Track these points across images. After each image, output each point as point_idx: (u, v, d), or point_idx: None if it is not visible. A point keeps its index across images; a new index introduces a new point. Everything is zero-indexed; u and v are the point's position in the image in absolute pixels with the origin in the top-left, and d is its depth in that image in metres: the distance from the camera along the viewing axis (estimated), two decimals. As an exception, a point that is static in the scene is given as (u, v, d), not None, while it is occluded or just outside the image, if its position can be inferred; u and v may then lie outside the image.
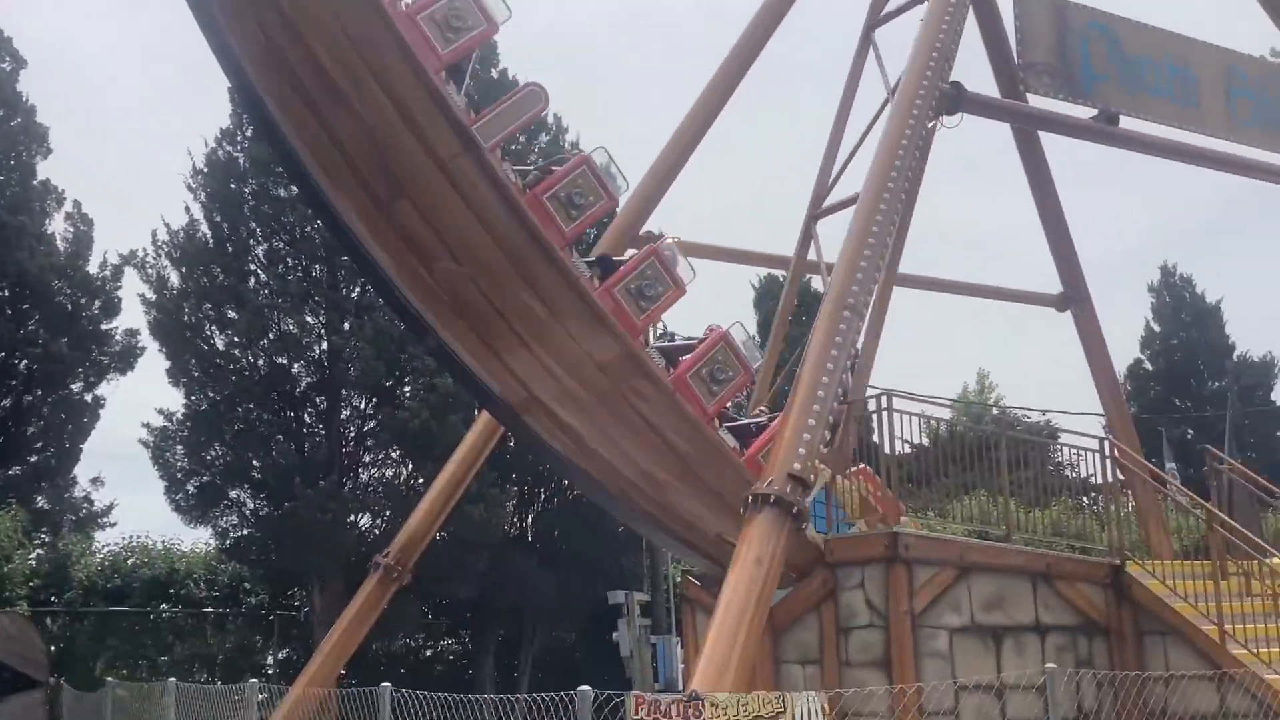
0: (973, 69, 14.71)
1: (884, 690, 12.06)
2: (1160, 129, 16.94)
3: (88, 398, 24.96)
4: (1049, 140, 19.45)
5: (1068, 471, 18.50)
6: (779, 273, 39.21)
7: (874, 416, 14.14)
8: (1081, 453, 15.90)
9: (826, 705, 7.52)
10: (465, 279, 12.02)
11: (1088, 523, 17.37)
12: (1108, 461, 15.43)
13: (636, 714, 6.95)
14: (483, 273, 12.01)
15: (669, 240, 14.26)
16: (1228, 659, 13.11)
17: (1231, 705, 13.12)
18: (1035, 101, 16.93)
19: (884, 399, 14.12)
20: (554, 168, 12.69)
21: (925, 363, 70.35)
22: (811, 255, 18.71)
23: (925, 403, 14.75)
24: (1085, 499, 20.44)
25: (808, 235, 19.06)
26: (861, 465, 14.20)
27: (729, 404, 14.13)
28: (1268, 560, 14.48)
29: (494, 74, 27.49)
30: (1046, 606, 14.19)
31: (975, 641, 13.52)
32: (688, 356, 13.28)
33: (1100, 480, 15.61)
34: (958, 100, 14.27)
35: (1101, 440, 15.73)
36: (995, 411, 26.24)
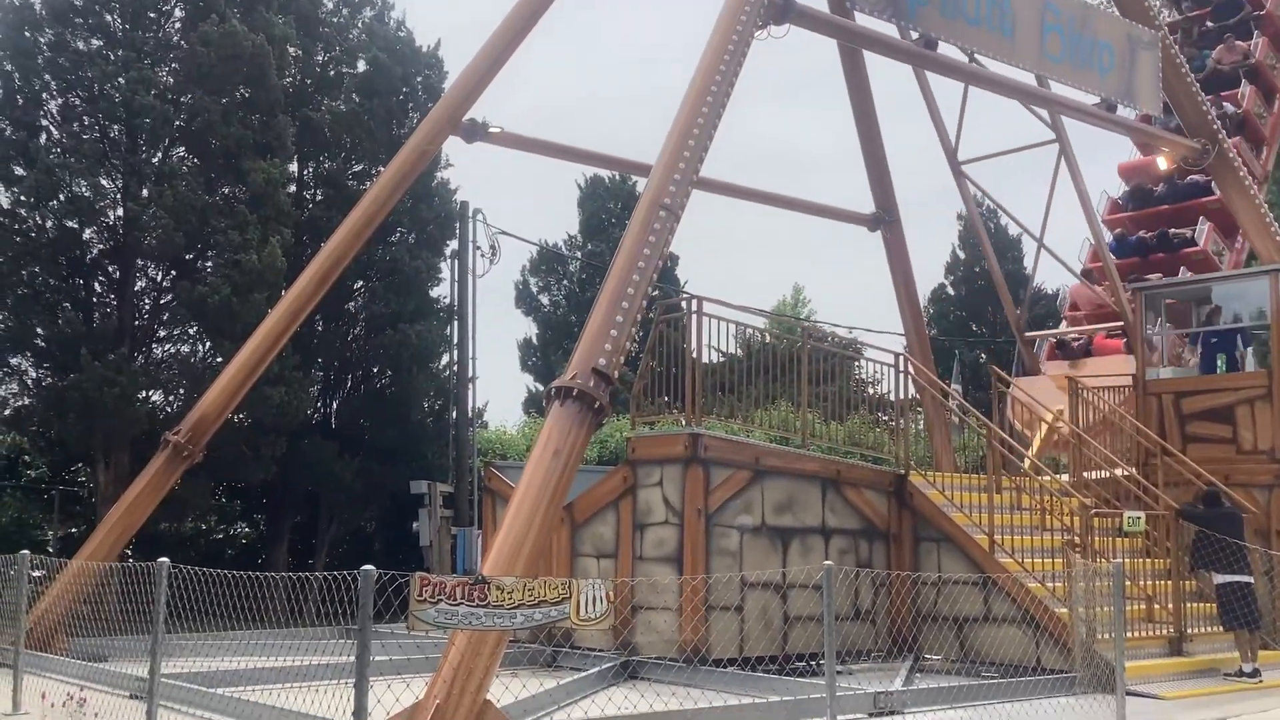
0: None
1: (671, 581, 12.40)
2: (978, 59, 17.48)
3: None
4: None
5: (869, 390, 19.21)
6: (605, 172, 39.22)
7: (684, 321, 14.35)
8: (881, 372, 16.56)
9: (612, 593, 7.63)
10: None
11: (880, 437, 18.10)
12: (901, 376, 16.11)
13: (420, 595, 6.91)
14: None
15: None
16: (994, 566, 13.98)
17: (995, 609, 14.02)
18: (861, 21, 17.21)
19: (694, 302, 14.32)
20: None
21: (746, 277, 71.67)
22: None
23: (737, 310, 15.04)
24: (881, 415, 21.30)
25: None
26: None
27: None
28: (1038, 478, 15.44)
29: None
30: (833, 511, 14.82)
31: (764, 541, 14.04)
32: None
33: (894, 396, 16.30)
34: (786, 10, 14.33)
35: (897, 356, 16.38)
36: (802, 327, 26.92)
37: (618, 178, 39.56)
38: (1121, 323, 20.15)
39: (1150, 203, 23.00)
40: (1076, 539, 13.93)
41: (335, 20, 26.41)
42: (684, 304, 15.04)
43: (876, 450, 16.55)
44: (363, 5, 26.72)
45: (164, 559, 8.72)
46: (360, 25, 26.58)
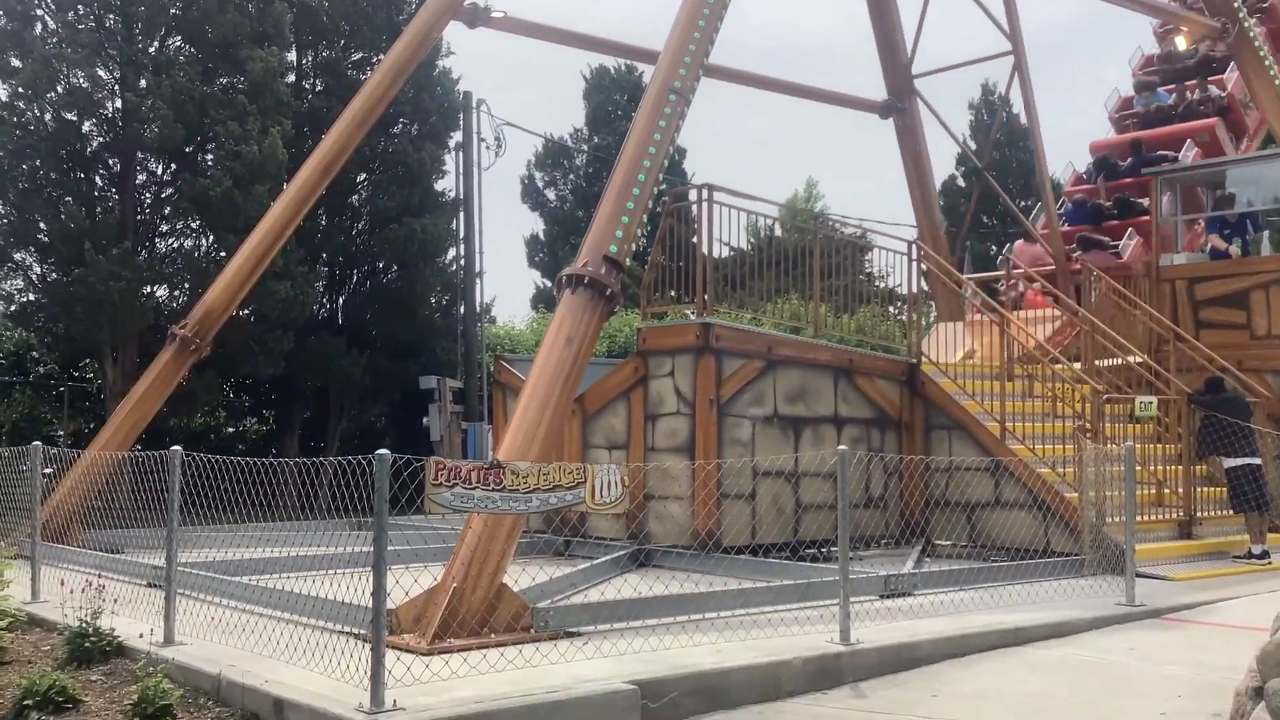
0: None
1: (684, 467, 12.41)
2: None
3: None
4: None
5: (879, 283, 19.04)
6: (611, 62, 38.52)
7: (694, 210, 14.13)
8: (893, 263, 16.36)
9: (626, 478, 7.59)
10: None
11: (892, 328, 18.00)
12: (913, 265, 15.94)
13: (435, 479, 6.87)
14: None
15: None
16: (1005, 452, 13.98)
17: (1005, 494, 14.06)
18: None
19: (705, 191, 14.07)
20: None
21: (756, 172, 70.86)
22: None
23: (748, 199, 14.79)
24: (892, 307, 21.16)
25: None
26: None
27: None
28: (1050, 365, 15.36)
29: None
30: (845, 400, 14.78)
31: (776, 431, 14.02)
32: None
33: (906, 287, 16.14)
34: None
35: (910, 244, 16.18)
36: (814, 220, 26.80)
37: (624, 67, 38.88)
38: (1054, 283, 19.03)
39: (1116, 176, 21.72)
40: (1088, 425, 13.90)
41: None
42: (694, 193, 14.80)
43: (888, 341, 16.47)
44: None
45: (177, 447, 8.69)
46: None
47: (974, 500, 14.29)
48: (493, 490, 7.12)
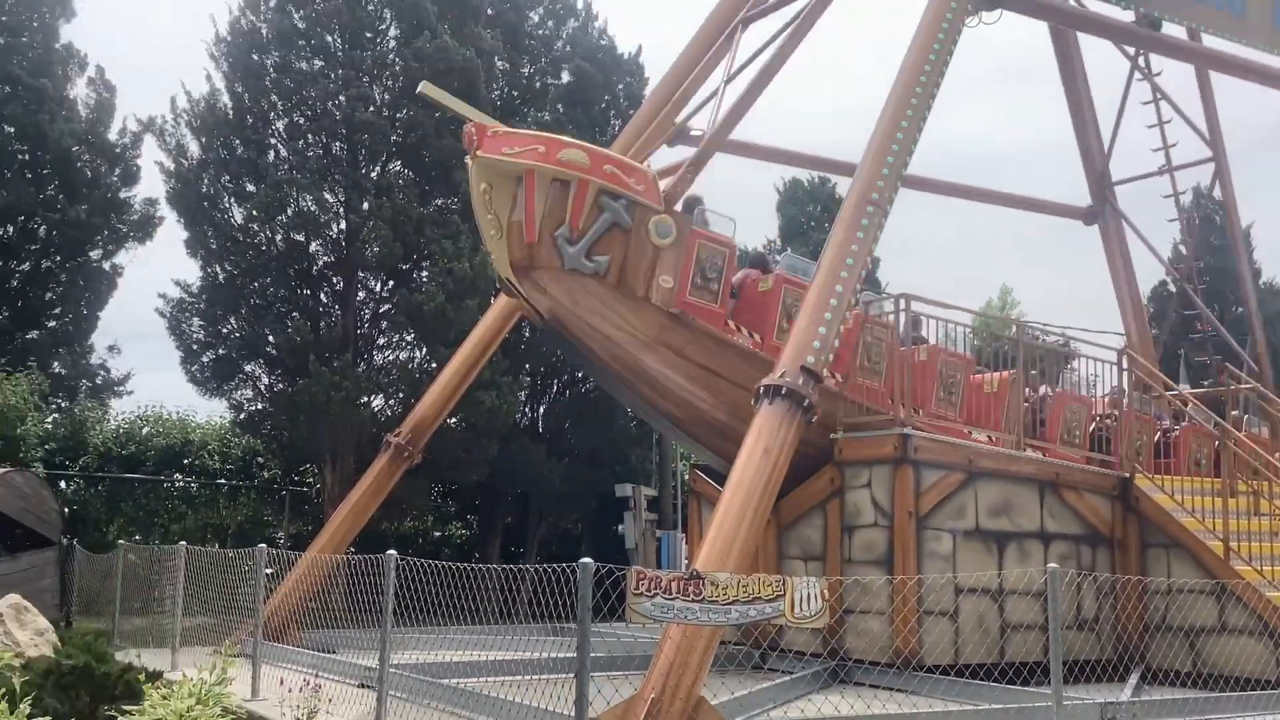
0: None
1: (884, 581, 12.14)
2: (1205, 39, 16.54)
3: (106, 265, 24.87)
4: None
5: (1084, 390, 18.38)
6: (804, 175, 38.89)
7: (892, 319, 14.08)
8: (1098, 371, 15.82)
9: (826, 591, 7.52)
10: None
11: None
12: (1125, 374, 15.36)
13: (637, 589, 6.97)
14: None
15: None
16: (1231, 574, 13.16)
17: (1231, 620, 13.20)
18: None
19: (902, 300, 14.01)
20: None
21: (950, 282, 69.83)
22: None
23: (944, 308, 14.65)
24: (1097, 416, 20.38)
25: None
26: None
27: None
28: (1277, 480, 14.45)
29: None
30: (1052, 515, 14.24)
31: (979, 545, 13.59)
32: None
33: (1119, 395, 15.55)
34: (999, -5, 13.89)
35: (1120, 353, 15.63)
36: (1014, 327, 26.16)
37: (817, 180, 39.18)
38: None
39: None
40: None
41: (540, 33, 27.07)
42: (889, 303, 14.74)
43: (1097, 451, 15.83)
44: (567, 16, 27.31)
45: (392, 551, 9.07)
46: (564, 36, 27.17)
47: (1196, 625, 13.46)
48: (692, 601, 7.17)
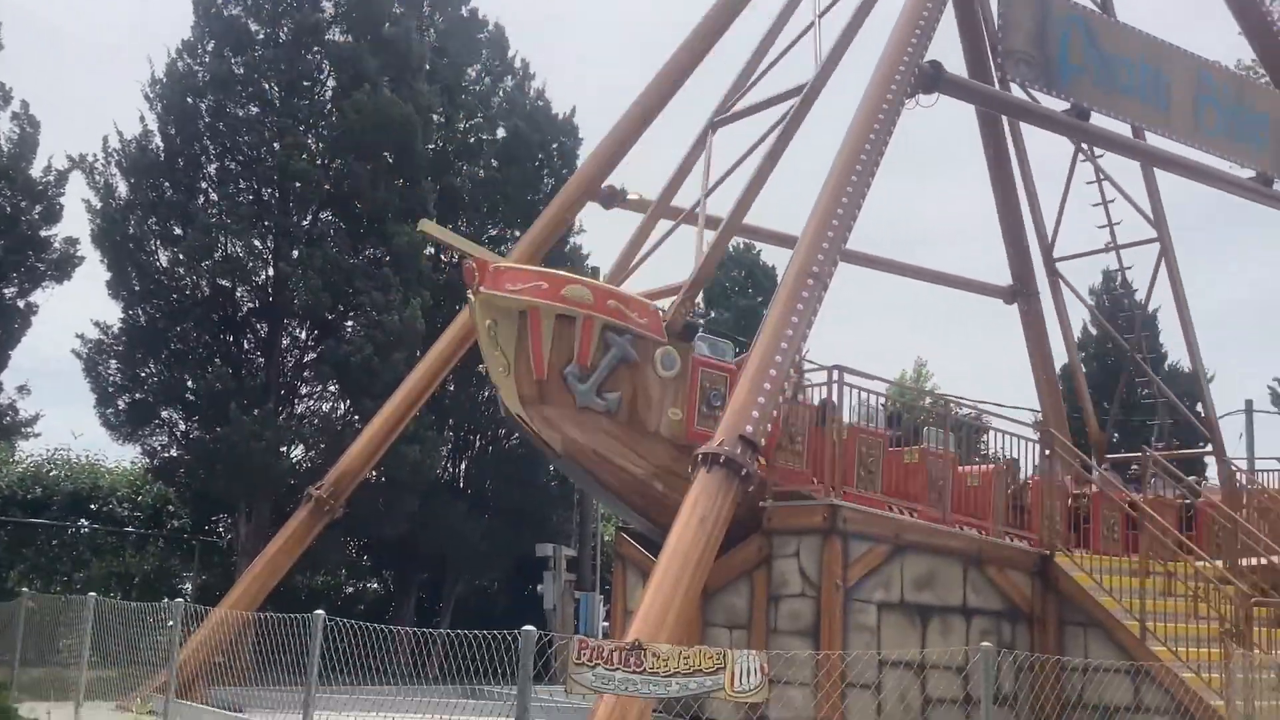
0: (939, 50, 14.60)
1: (808, 655, 12.15)
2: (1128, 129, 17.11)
3: (20, 304, 24.20)
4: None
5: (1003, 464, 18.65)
6: (732, 241, 39.28)
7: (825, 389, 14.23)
8: (1015, 447, 16.10)
9: (765, 665, 7.51)
10: None
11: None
12: (1045, 451, 15.65)
13: (578, 658, 6.89)
14: None
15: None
16: (1147, 655, 13.39)
17: (1146, 699, 13.41)
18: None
19: (835, 372, 14.18)
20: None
21: (863, 348, 70.92)
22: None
23: (875, 380, 14.87)
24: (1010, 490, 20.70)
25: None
26: None
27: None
28: (1192, 563, 14.79)
29: (464, 11, 27.02)
30: (975, 590, 14.40)
31: (903, 618, 13.68)
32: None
33: (1037, 473, 15.83)
34: (935, 79, 14.28)
35: (1044, 433, 15.94)
36: (929, 399, 26.51)
37: (742, 245, 39.65)
38: None
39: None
40: (1234, 628, 13.27)
41: (477, 89, 27.16)
42: (822, 374, 14.90)
43: (1017, 529, 16.06)
44: (504, 74, 27.43)
45: (320, 611, 8.88)
46: (501, 93, 27.28)
47: (1113, 703, 13.65)
48: (634, 672, 7.11)
